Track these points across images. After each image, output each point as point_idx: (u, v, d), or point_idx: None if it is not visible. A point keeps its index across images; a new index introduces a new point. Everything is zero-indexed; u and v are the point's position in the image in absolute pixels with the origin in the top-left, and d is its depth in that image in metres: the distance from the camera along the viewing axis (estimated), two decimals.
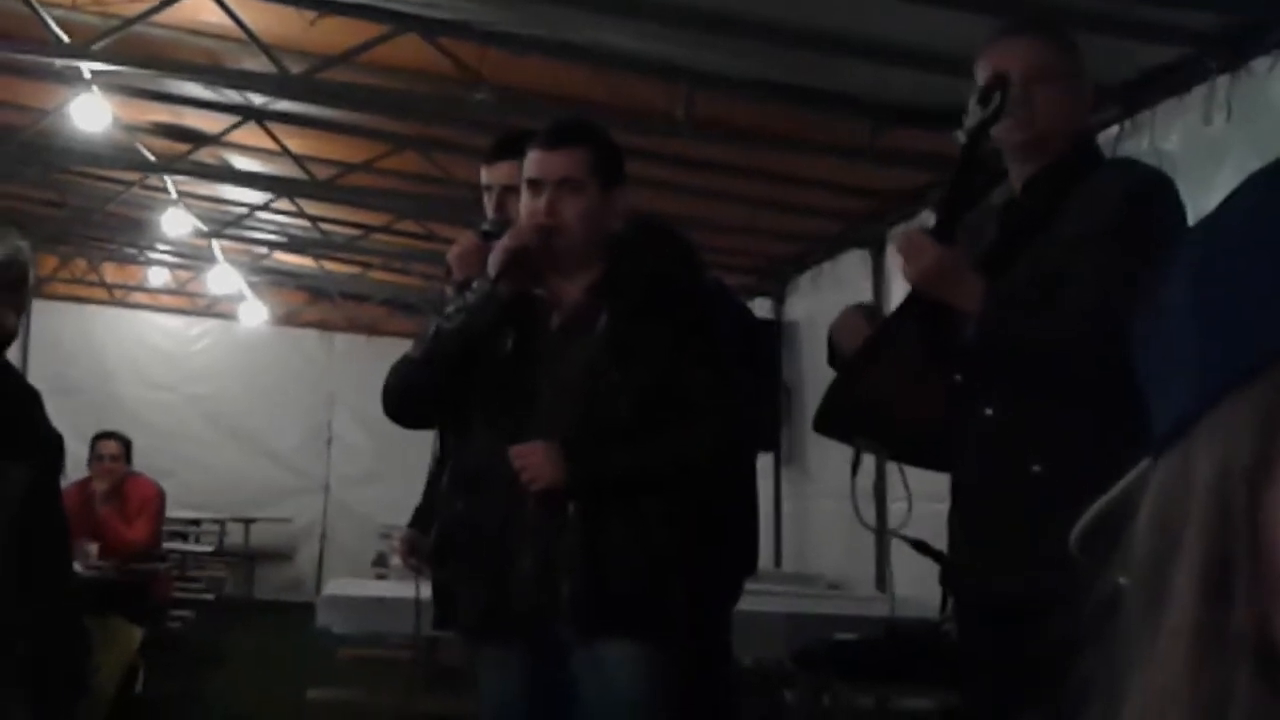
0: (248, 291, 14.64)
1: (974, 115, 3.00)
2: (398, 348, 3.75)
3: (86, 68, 7.71)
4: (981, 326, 2.98)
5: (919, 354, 3.17)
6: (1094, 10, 5.01)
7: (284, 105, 8.54)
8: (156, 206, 11.66)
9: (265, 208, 11.58)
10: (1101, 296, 2.75)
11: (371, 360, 9.04)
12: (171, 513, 9.50)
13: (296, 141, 9.32)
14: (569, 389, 3.40)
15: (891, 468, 3.51)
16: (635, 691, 3.35)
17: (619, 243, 3.54)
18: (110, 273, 15.10)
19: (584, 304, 3.46)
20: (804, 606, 7.05)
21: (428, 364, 3.51)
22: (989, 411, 3.03)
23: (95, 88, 8.17)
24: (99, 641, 6.77)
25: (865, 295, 8.79)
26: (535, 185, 3.43)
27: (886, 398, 3.22)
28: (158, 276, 15.11)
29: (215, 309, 15.39)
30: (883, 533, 4.85)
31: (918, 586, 4.60)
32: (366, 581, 8.78)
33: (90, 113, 8.34)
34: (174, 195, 11.26)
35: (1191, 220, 2.19)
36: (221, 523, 14.18)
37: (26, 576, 3.53)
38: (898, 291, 4.72)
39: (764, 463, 7.68)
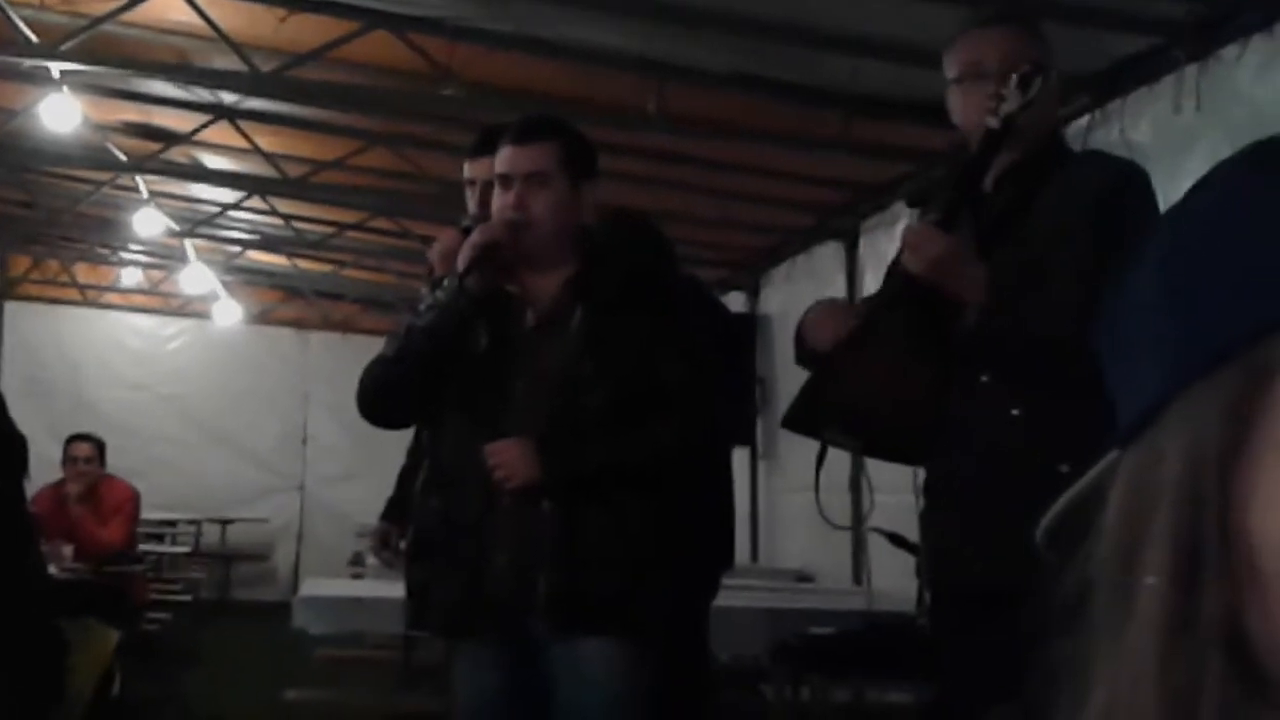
0: (221, 291, 14.60)
1: (1012, 100, 2.97)
2: (373, 345, 3.74)
3: (55, 68, 7.68)
4: (985, 317, 2.96)
5: (904, 345, 3.16)
6: (1064, 1, 5.02)
7: (255, 103, 8.52)
8: (128, 206, 11.63)
9: (237, 206, 11.56)
10: (1085, 290, 2.74)
11: (347, 358, 9.02)
12: (147, 514, 9.47)
13: (268, 139, 9.30)
14: (544, 385, 3.40)
15: (850, 461, 3.49)
16: (612, 688, 3.34)
17: (594, 237, 3.54)
18: (83, 273, 15.05)
19: (559, 300, 3.46)
20: (780, 601, 7.05)
21: (399, 362, 3.50)
22: (1015, 412, 3.01)
23: (65, 87, 8.14)
24: (75, 644, 6.74)
25: (839, 287, 8.81)
26: (505, 180, 3.44)
27: (868, 390, 3.20)
28: (130, 276, 15.08)
29: (189, 308, 15.33)
30: (855, 528, 4.84)
31: (894, 580, 4.60)
32: (343, 581, 8.76)
33: (60, 113, 8.32)
34: (145, 195, 11.24)
35: (1162, 210, 2.19)
36: (198, 523, 14.15)
37: None
38: (871, 283, 4.71)
39: (739, 457, 7.70)
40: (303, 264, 13.73)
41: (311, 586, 7.47)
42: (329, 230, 11.92)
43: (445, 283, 3.48)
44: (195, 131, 9.27)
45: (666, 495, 3.48)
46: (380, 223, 11.42)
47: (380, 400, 3.59)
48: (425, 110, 8.00)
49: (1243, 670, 0.65)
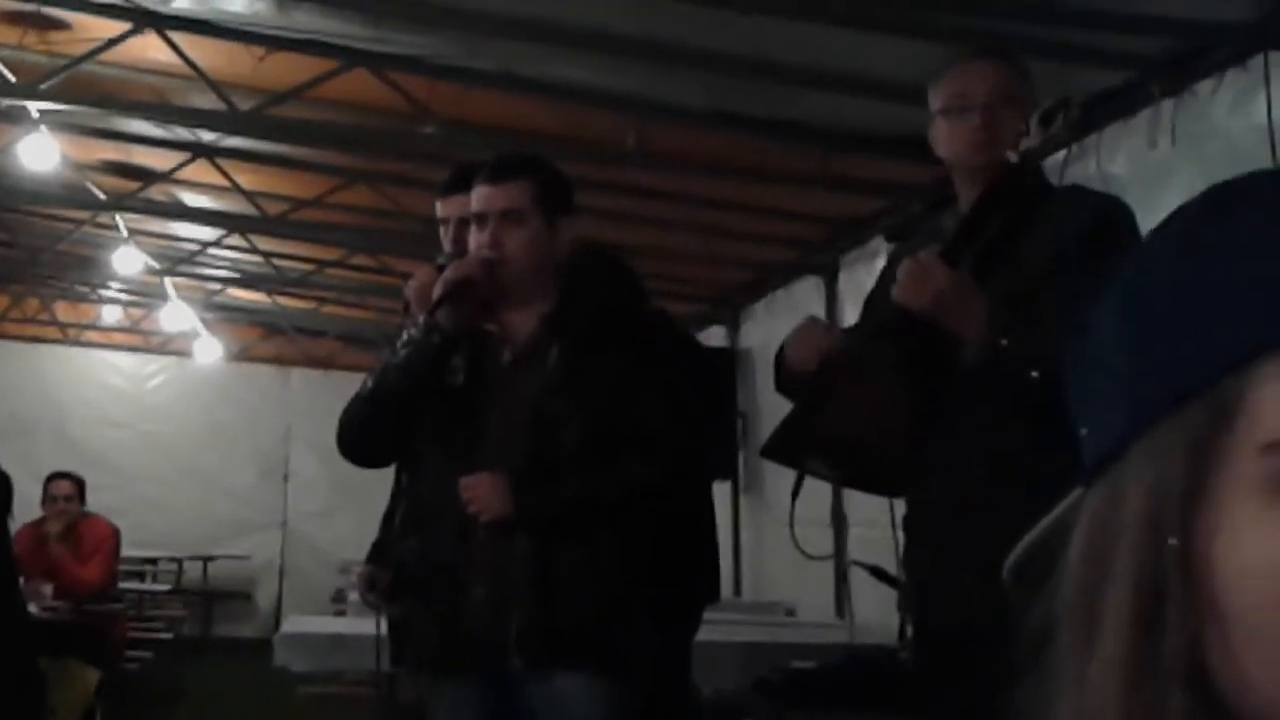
0: (202, 328, 14.57)
1: (1035, 135, 2.97)
2: (354, 382, 3.74)
3: (34, 107, 7.68)
4: (986, 353, 2.92)
5: (893, 376, 3.13)
6: (1040, 37, 5.05)
7: (234, 141, 8.53)
8: (108, 244, 11.62)
9: (217, 244, 11.55)
10: (1070, 328, 2.73)
11: (328, 395, 8.98)
12: (128, 552, 9.41)
13: (247, 177, 9.29)
14: (520, 421, 3.40)
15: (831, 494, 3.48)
16: None
17: (569, 274, 3.55)
18: (63, 311, 15.01)
19: (535, 336, 3.47)
20: (762, 635, 7.03)
21: (374, 400, 3.49)
22: (998, 448, 2.98)
23: (43, 126, 8.14)
24: (55, 683, 6.72)
25: None
26: (480, 219, 3.46)
27: (855, 420, 3.18)
28: (111, 314, 15.02)
29: (169, 346, 15.29)
30: (836, 559, 4.84)
31: (877, 613, 4.60)
32: (324, 619, 8.72)
33: (39, 152, 8.31)
34: (125, 233, 11.22)
35: None
36: (179, 561, 14.08)
37: None
38: (850, 317, 4.71)
39: (721, 491, 7.70)
40: (283, 301, 13.70)
41: (293, 624, 7.45)
42: (309, 267, 11.90)
43: (421, 320, 3.48)
44: (174, 170, 9.27)
45: (644, 530, 3.48)
46: (360, 259, 11.42)
47: (357, 439, 3.59)
48: (404, 148, 8.00)
49: (1205, 707, 0.66)
